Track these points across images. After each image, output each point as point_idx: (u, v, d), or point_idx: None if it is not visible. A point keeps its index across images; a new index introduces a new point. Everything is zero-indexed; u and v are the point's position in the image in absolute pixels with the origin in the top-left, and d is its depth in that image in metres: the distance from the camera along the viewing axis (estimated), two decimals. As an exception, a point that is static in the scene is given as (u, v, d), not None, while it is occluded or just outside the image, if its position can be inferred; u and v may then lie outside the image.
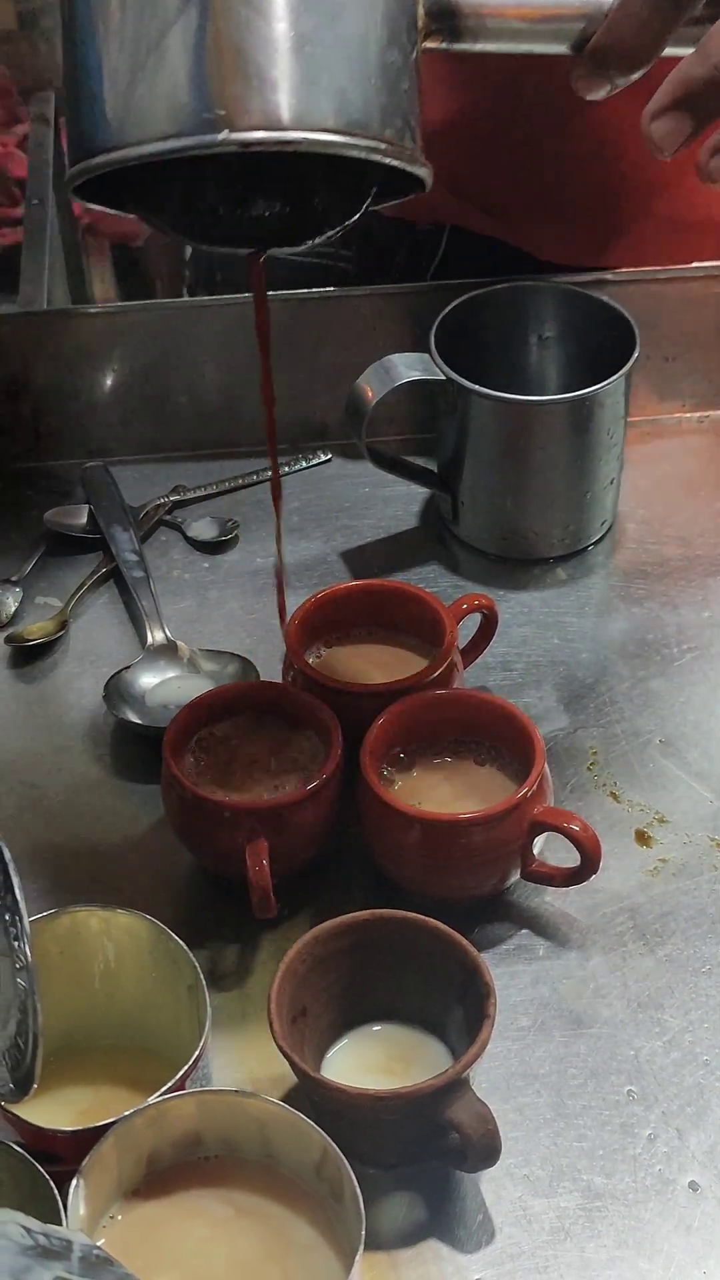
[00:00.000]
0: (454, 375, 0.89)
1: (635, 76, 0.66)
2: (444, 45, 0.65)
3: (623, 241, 1.02)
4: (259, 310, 0.73)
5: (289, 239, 0.68)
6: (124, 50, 0.59)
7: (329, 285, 1.03)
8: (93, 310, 1.02)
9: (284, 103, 0.58)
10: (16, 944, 0.55)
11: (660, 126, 0.65)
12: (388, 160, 0.61)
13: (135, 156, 0.59)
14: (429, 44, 0.64)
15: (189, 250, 1.35)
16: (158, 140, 0.58)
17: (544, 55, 0.66)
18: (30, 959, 0.55)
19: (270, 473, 1.01)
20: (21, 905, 0.55)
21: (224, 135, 0.58)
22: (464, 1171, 0.64)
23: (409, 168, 0.62)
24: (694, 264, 1.01)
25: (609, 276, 0.98)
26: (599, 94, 0.66)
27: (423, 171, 0.63)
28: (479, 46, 0.66)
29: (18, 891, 0.55)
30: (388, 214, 1.04)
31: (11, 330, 0.98)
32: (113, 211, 0.67)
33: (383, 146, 0.60)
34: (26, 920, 0.55)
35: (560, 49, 0.66)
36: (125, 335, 1.00)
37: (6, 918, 0.56)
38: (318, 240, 0.68)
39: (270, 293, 1.00)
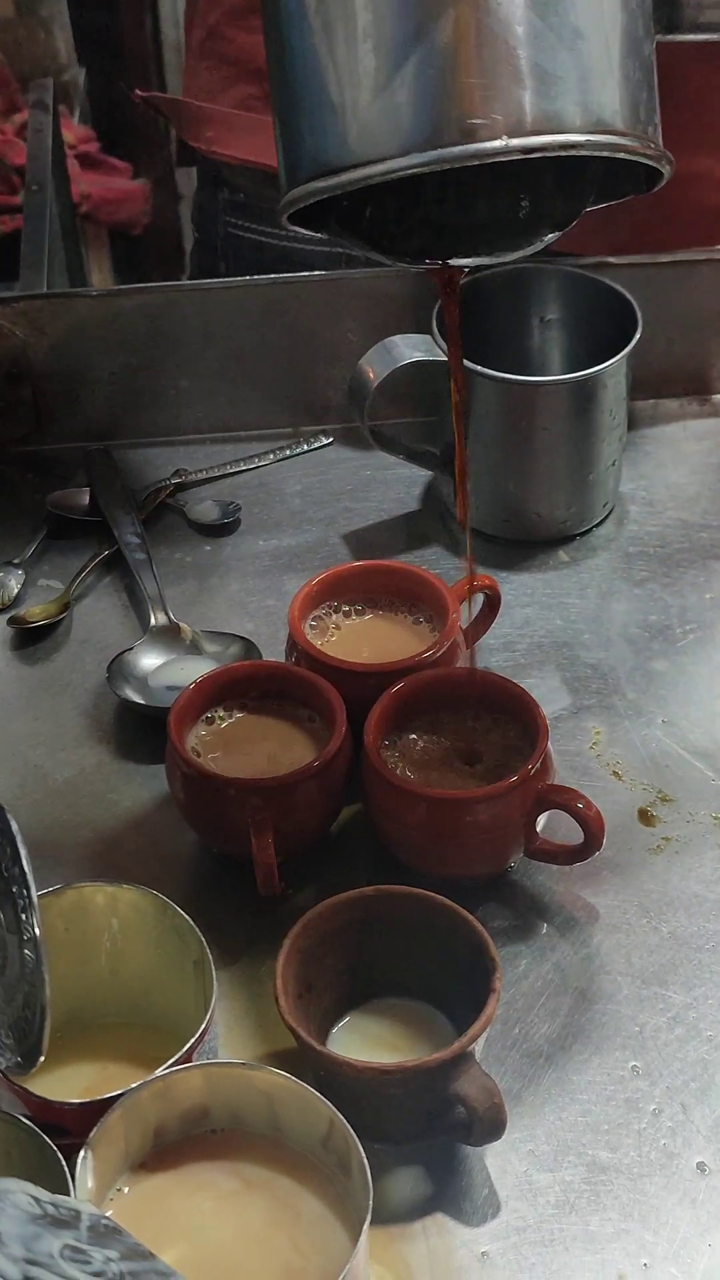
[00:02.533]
0: (456, 356, 0.89)
1: None
2: (657, 36, 0.60)
3: (625, 231, 1.02)
4: (451, 325, 0.67)
5: (496, 247, 0.62)
6: (377, 52, 0.53)
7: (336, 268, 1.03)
8: (94, 293, 1.02)
9: (560, 103, 0.53)
10: (24, 917, 0.55)
11: None
12: (652, 163, 0.56)
13: (402, 168, 0.53)
14: None
15: (191, 242, 1.34)
16: (423, 149, 0.53)
17: None
18: (38, 932, 0.55)
19: (273, 455, 1.01)
20: (30, 878, 0.55)
21: (503, 142, 0.52)
22: (470, 1145, 0.64)
23: (664, 168, 0.58)
24: (697, 248, 1.01)
25: (612, 260, 0.98)
26: None
27: (668, 173, 0.59)
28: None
29: (26, 864, 0.55)
30: None
31: (12, 313, 0.98)
32: (307, 232, 0.61)
33: (651, 148, 0.56)
34: (35, 894, 0.55)
35: None
36: (126, 318, 1.00)
37: (15, 890, 0.56)
38: (530, 249, 0.62)
39: (271, 275, 1.01)
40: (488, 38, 0.52)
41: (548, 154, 0.54)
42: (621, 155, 0.55)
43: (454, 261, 0.63)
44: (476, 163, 0.53)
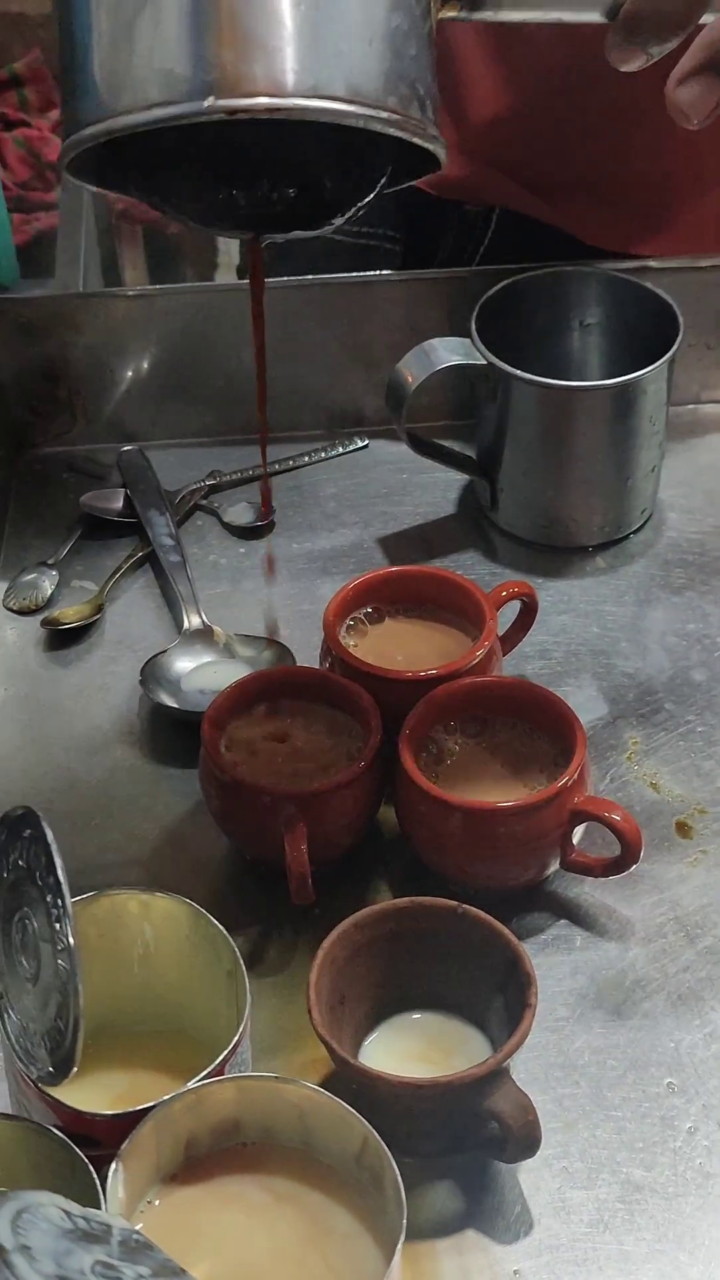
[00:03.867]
0: (495, 360, 0.88)
1: (671, 45, 0.61)
2: (462, 14, 0.61)
3: (673, 231, 1.01)
4: (255, 299, 0.70)
5: (300, 223, 0.64)
6: (110, 15, 0.56)
7: (374, 267, 1.02)
8: (131, 293, 1.02)
9: (276, 67, 0.55)
10: (58, 926, 0.55)
11: (686, 92, 0.61)
12: (390, 131, 0.57)
13: (121, 127, 0.56)
14: (446, 13, 0.60)
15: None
16: (143, 109, 0.55)
17: (575, 25, 0.63)
18: (72, 941, 0.55)
19: (310, 458, 1.01)
20: (64, 887, 0.55)
21: (209, 102, 0.54)
22: (503, 1162, 0.64)
23: (415, 139, 0.58)
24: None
25: (653, 263, 0.97)
26: (633, 65, 0.62)
27: (433, 146, 0.59)
28: (502, 16, 0.62)
29: (60, 873, 0.55)
30: (436, 195, 1.03)
31: (49, 312, 0.98)
32: (112, 194, 0.64)
33: (383, 115, 0.56)
34: (69, 902, 0.55)
35: (591, 16, 0.62)
36: (163, 318, 0.99)
37: (49, 899, 0.55)
38: (330, 226, 0.64)
39: (309, 277, 1.01)
40: (208, 3, 0.54)
41: (256, 115, 0.55)
42: (347, 122, 0.56)
43: (265, 235, 0.65)
44: (189, 122, 0.55)
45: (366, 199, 0.64)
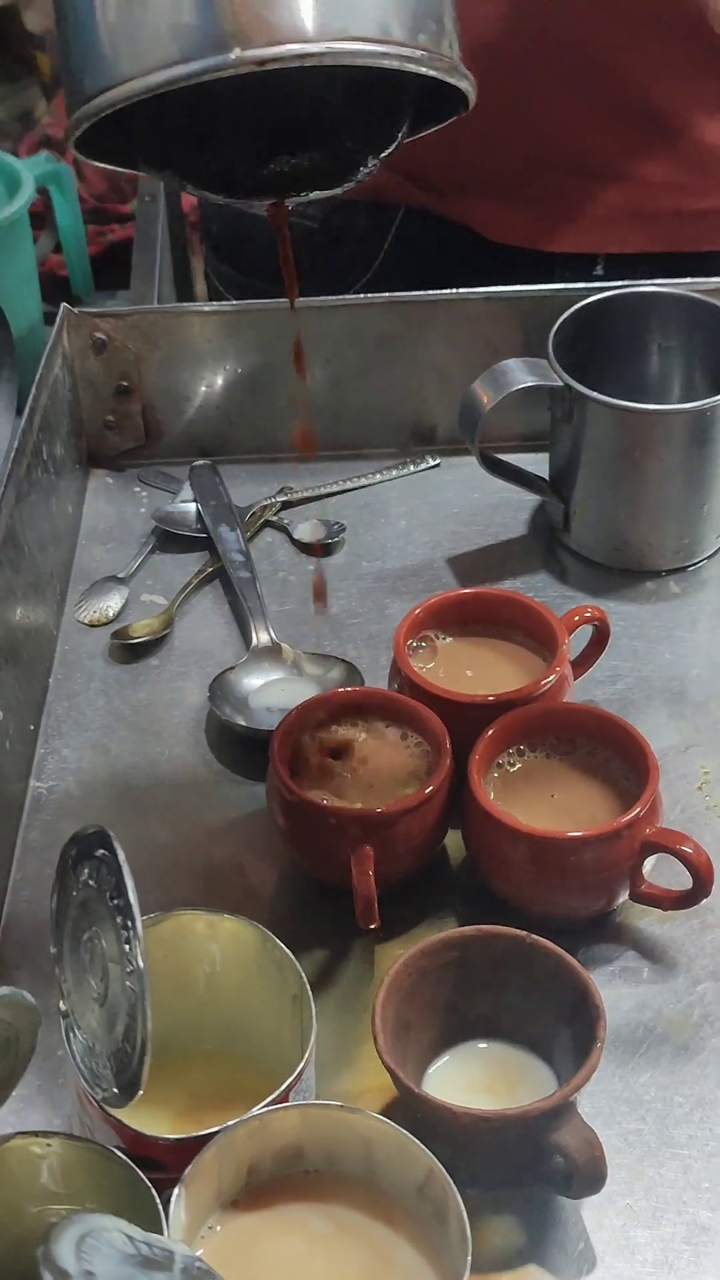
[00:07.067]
0: (572, 382, 0.88)
1: None
2: None
3: (570, 226, 1.00)
4: (285, 258, 0.66)
5: (318, 183, 0.61)
6: None
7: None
8: (206, 309, 1.02)
9: (301, 11, 0.52)
10: (128, 948, 0.55)
11: None
12: (424, 70, 0.54)
13: (142, 90, 0.53)
14: None
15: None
16: (162, 69, 0.52)
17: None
18: (142, 964, 0.54)
19: (377, 476, 1.00)
20: (135, 909, 0.54)
21: (236, 54, 0.52)
22: (567, 1197, 0.63)
23: (448, 79, 0.55)
24: None
25: (731, 285, 0.96)
26: None
27: (464, 84, 0.56)
28: None
29: (132, 895, 0.55)
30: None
31: (125, 327, 0.98)
32: (121, 170, 0.61)
33: (417, 54, 0.54)
34: (140, 925, 0.55)
35: None
36: (236, 335, 0.99)
37: (118, 920, 0.55)
38: (353, 181, 0.61)
39: (383, 295, 1.00)
40: None
41: (286, 65, 0.52)
42: (382, 65, 0.54)
43: (288, 200, 0.61)
44: (215, 77, 0.52)
45: (391, 148, 0.61)
